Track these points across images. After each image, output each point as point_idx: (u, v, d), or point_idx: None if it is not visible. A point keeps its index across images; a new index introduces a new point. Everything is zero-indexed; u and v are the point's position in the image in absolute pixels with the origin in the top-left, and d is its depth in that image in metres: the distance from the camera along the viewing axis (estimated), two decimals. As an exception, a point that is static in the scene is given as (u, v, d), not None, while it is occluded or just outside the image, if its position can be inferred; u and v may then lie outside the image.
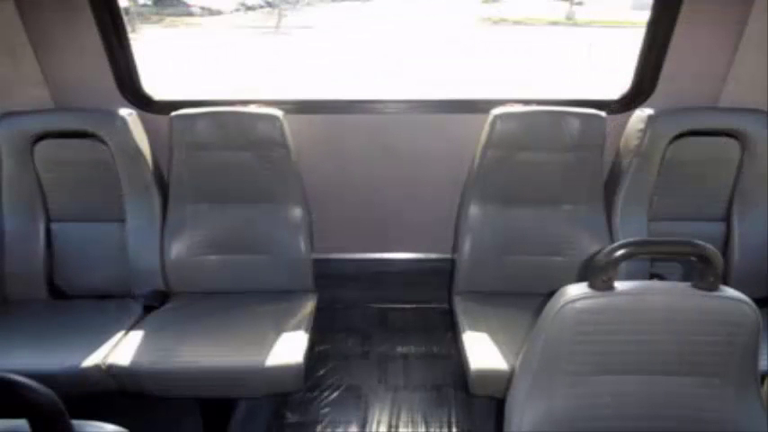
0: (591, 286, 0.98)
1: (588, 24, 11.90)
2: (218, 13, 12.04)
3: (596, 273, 0.98)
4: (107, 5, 1.92)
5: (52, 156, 1.95)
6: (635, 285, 1.01)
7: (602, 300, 0.97)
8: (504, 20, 12.89)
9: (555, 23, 12.45)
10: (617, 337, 0.99)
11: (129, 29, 2.06)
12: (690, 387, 1.02)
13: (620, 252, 0.98)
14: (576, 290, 0.99)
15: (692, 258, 0.98)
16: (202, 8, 11.75)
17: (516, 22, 12.67)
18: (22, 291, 1.93)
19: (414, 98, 2.23)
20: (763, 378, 1.15)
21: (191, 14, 11.38)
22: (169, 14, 11.23)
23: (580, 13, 12.96)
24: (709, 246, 0.98)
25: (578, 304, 0.97)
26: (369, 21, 11.57)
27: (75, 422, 0.76)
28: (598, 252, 1.01)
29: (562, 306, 0.98)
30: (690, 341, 0.99)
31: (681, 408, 1.03)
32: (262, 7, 12.96)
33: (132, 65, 2.07)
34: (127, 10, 2.10)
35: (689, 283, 0.99)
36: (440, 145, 2.22)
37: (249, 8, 12.86)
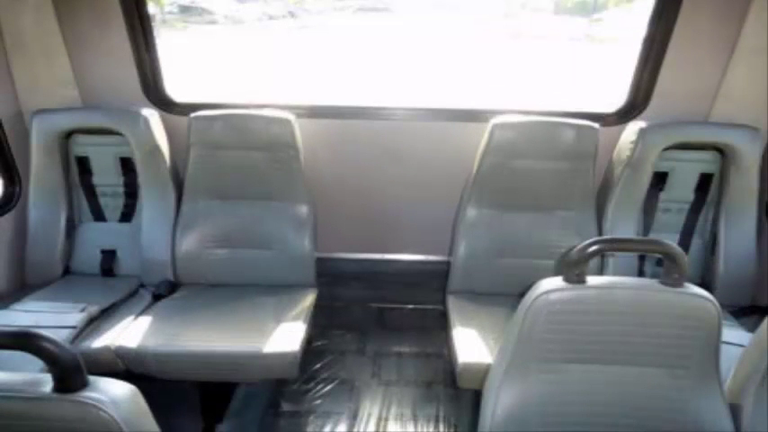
0: (565, 280, 1.06)
1: (605, 41, 11.91)
2: (241, 21, 12.36)
3: (569, 267, 1.06)
4: (138, 12, 2.03)
5: (79, 151, 2.08)
6: (605, 280, 1.09)
7: (573, 292, 1.05)
8: (522, 34, 12.98)
9: (574, 39, 12.51)
10: (587, 327, 1.06)
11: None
12: (655, 377, 1.08)
13: (591, 249, 1.06)
14: (551, 283, 1.07)
15: (659, 256, 1.06)
16: (225, 17, 12.10)
17: (535, 37, 12.75)
18: (39, 276, 2.04)
19: (419, 106, 2.30)
20: None
21: (214, 22, 11.71)
22: (194, 22, 11.58)
23: (598, 30, 12.98)
24: (674, 245, 1.06)
25: (552, 296, 1.05)
26: (390, 31, 11.74)
27: (90, 377, 0.84)
28: (572, 248, 1.09)
29: (537, 297, 1.06)
30: (655, 333, 1.05)
31: (646, 397, 1.09)
32: (284, 17, 13.23)
33: (157, 69, 2.18)
34: (153, 17, 2.21)
35: (656, 280, 1.06)
36: (442, 151, 2.28)
37: (271, 17, 13.15)
